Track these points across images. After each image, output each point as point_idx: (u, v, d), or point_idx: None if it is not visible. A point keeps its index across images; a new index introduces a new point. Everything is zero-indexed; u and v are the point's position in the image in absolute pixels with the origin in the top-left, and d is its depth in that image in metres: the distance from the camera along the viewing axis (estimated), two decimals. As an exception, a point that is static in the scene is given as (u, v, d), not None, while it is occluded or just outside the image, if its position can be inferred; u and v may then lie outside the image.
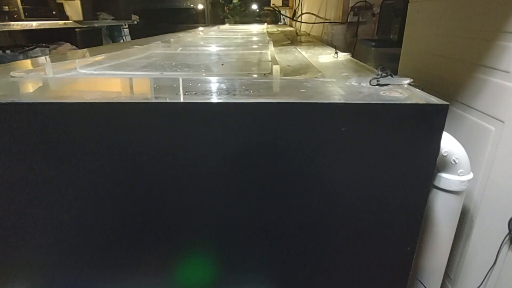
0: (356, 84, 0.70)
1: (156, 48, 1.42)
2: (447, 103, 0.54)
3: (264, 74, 0.81)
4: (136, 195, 0.62)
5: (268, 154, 0.58)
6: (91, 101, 0.56)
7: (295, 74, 0.81)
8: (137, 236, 0.65)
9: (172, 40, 1.66)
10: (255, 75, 0.81)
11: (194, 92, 0.63)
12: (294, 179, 0.60)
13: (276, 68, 0.77)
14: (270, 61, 0.99)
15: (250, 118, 0.55)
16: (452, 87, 0.95)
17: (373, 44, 1.58)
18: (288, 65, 0.95)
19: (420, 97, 0.60)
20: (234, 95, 0.62)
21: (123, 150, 0.58)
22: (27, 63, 1.09)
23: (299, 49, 1.36)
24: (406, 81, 0.67)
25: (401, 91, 0.63)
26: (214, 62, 1.07)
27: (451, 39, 0.98)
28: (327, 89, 0.67)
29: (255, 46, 1.51)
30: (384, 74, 0.69)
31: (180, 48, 1.45)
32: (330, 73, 0.82)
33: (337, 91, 0.65)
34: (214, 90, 0.68)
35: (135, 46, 1.37)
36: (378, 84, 0.67)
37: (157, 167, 0.59)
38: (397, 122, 0.56)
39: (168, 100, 0.56)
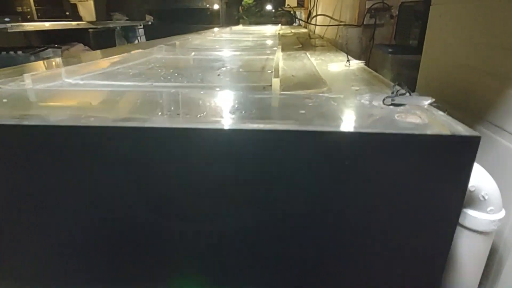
0: (367, 102, 0.60)
1: (159, 52, 1.35)
2: (478, 135, 0.43)
3: (264, 88, 0.72)
4: (113, 226, 0.54)
5: (257, 184, 0.50)
6: (49, 123, 0.48)
7: (298, 87, 0.72)
8: (128, 266, 0.58)
9: (177, 43, 1.59)
10: (253, 88, 0.72)
11: (177, 113, 0.55)
12: (287, 214, 0.51)
13: (275, 82, 0.68)
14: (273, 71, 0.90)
15: (230, 146, 0.47)
16: (481, 104, 0.83)
17: (390, 50, 1.46)
18: (292, 75, 0.86)
19: (444, 124, 0.49)
20: (221, 117, 0.53)
21: (87, 174, 0.50)
22: (21, 69, 1.04)
23: (309, 55, 1.26)
24: (427, 101, 0.56)
25: (420, 113, 0.53)
26: (215, 69, 0.99)
27: (481, 48, 0.86)
28: (331, 108, 0.57)
29: (262, 51, 1.42)
30: (400, 92, 0.59)
31: (183, 53, 1.37)
32: (339, 87, 0.72)
33: (343, 111, 0.56)
34: (201, 107, 0.59)
35: (138, 50, 1.30)
36: (393, 104, 0.57)
37: (124, 192, 0.51)
38: (415, 155, 0.46)
39: (135, 125, 0.48)
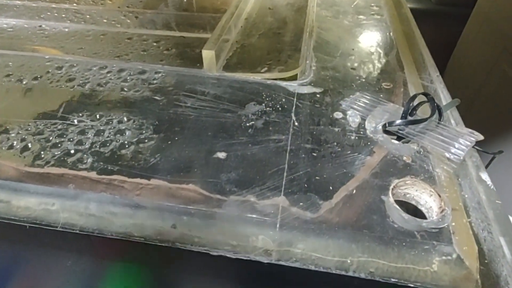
0: (356, 121, 0.33)
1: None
2: None
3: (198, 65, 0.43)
4: None
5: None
6: None
7: (248, 62, 0.43)
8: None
9: None
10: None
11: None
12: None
13: (209, 55, 0.39)
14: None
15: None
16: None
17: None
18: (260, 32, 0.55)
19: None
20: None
21: None
22: None
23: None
24: (469, 141, 0.29)
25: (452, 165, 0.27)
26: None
27: None
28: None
29: None
30: (418, 117, 0.31)
31: None
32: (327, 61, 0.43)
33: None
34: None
35: None
36: (399, 136, 0.30)
37: None
38: None
39: None
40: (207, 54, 0.39)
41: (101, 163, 0.28)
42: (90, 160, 0.29)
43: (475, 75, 0.81)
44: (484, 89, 0.76)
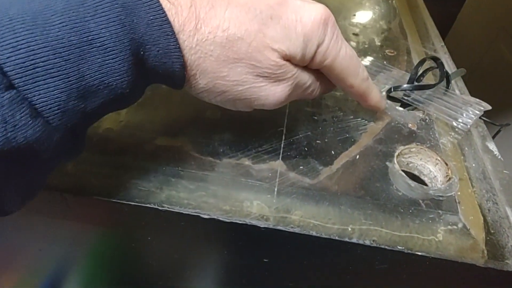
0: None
1: None
2: None
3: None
4: None
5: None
6: None
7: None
8: None
9: None
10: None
11: None
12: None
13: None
14: None
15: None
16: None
17: None
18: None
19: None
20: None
21: None
22: None
23: None
24: (480, 108, 0.28)
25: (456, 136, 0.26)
26: None
27: None
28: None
29: None
30: (423, 83, 0.29)
31: None
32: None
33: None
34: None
35: None
36: (403, 103, 0.29)
37: None
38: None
39: None
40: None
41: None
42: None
43: (472, 54, 0.80)
44: (480, 69, 0.75)
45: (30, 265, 0.33)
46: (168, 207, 0.21)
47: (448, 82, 0.29)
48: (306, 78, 0.22)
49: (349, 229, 0.21)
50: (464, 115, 0.27)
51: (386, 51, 0.38)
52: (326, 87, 0.24)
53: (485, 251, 0.21)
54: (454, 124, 0.27)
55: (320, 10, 0.20)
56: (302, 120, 0.27)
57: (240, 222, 0.20)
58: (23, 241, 0.29)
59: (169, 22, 0.16)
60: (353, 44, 0.38)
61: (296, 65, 0.21)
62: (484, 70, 0.74)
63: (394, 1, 0.50)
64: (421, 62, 0.29)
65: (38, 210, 0.24)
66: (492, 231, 0.22)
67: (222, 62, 0.19)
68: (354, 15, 0.45)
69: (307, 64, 0.21)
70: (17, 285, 0.37)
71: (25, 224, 0.27)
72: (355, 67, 0.22)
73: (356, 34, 0.40)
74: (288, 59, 0.20)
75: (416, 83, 0.29)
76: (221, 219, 0.20)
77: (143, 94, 0.20)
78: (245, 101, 0.21)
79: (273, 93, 0.21)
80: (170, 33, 0.16)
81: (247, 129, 0.26)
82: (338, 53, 0.21)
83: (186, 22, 0.17)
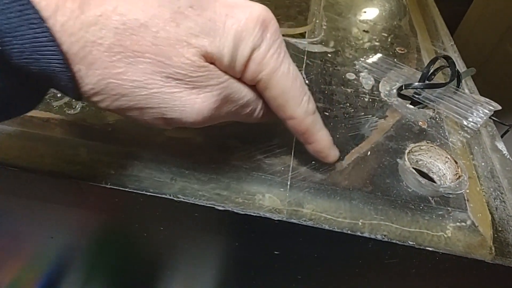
0: (369, 83, 0.31)
1: None
2: None
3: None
4: None
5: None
6: None
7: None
8: None
9: None
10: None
11: None
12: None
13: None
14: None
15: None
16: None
17: None
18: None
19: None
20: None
21: None
22: None
23: None
24: (490, 107, 0.28)
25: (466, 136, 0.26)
26: None
27: None
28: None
29: None
30: (434, 81, 0.30)
31: None
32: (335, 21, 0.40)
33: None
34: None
35: None
36: (414, 101, 0.29)
37: None
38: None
39: None
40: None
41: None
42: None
43: (479, 53, 0.79)
44: (486, 69, 0.75)
45: (40, 252, 0.34)
46: (183, 198, 0.21)
47: (459, 81, 0.30)
48: (241, 91, 0.17)
49: (360, 223, 0.22)
50: (474, 114, 0.28)
51: (397, 48, 0.38)
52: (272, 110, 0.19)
53: (493, 248, 0.21)
54: (464, 123, 0.28)
55: (260, 9, 0.16)
56: (313, 116, 0.28)
57: (254, 215, 0.21)
58: (35, 228, 0.29)
59: (29, 3, 0.12)
60: (363, 41, 0.39)
61: (225, 72, 0.17)
62: (491, 70, 0.74)
63: (404, -1, 0.50)
64: (433, 60, 0.29)
65: (53, 198, 0.25)
66: (499, 229, 0.22)
67: (117, 54, 0.14)
68: (364, 12, 0.45)
69: (241, 76, 0.17)
70: (26, 270, 0.37)
71: (38, 211, 0.27)
72: (298, 93, 0.18)
73: (366, 31, 0.40)
74: (211, 61, 0.16)
75: (427, 82, 0.29)
76: (235, 211, 0.21)
77: (36, 102, 0.16)
78: (153, 111, 0.16)
79: (191, 103, 0.16)
80: (32, 15, 0.12)
81: (259, 123, 0.27)
82: (278, 67, 0.17)
83: None
